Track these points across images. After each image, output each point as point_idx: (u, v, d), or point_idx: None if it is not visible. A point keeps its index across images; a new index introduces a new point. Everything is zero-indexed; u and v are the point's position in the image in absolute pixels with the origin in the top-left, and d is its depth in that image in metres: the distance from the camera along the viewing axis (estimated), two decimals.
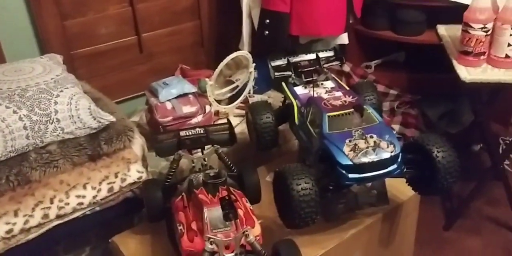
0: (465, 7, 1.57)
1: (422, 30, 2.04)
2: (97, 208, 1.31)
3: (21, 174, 1.20)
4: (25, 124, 1.18)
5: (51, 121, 1.21)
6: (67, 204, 1.24)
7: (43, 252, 1.29)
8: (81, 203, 1.26)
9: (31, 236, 1.22)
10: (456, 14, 1.61)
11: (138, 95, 1.93)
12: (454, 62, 1.62)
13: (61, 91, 1.26)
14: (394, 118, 2.09)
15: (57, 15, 1.68)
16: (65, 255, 1.36)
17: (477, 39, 1.54)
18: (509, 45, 1.53)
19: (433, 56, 1.86)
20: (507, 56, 1.55)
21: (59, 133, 1.23)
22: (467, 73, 1.56)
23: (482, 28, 1.52)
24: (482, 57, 1.58)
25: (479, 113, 1.95)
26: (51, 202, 1.23)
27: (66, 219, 1.26)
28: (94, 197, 1.28)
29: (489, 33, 1.54)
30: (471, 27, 1.53)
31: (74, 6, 1.72)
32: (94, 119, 1.26)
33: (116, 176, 1.30)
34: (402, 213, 1.35)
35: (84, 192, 1.27)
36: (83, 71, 1.79)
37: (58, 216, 1.24)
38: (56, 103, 1.23)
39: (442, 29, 1.84)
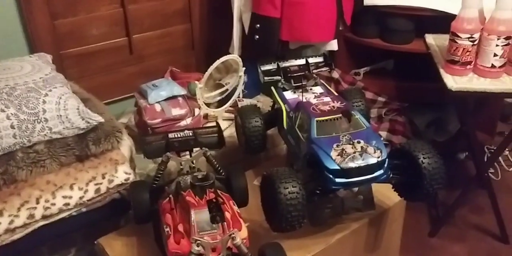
0: (452, 17, 1.60)
1: (410, 38, 2.07)
2: (84, 209, 1.30)
3: (7, 173, 1.19)
4: (12, 123, 1.18)
5: (39, 121, 1.21)
6: (53, 204, 1.23)
7: (27, 253, 1.28)
8: (68, 204, 1.25)
9: (16, 236, 1.21)
10: (444, 24, 1.64)
11: (127, 96, 1.92)
12: (441, 71, 1.65)
13: (50, 90, 1.25)
14: (381, 124, 2.11)
15: (48, 14, 1.67)
16: None
17: (464, 49, 1.57)
18: (495, 55, 1.56)
19: (421, 65, 1.88)
20: (493, 66, 1.58)
21: (47, 132, 1.22)
22: (453, 82, 1.59)
23: (469, 38, 1.55)
24: (468, 66, 1.61)
25: (465, 122, 1.98)
26: (37, 202, 1.22)
27: (52, 219, 1.25)
28: (80, 197, 1.27)
29: (475, 43, 1.57)
30: (458, 36, 1.56)
31: (65, 5, 1.71)
32: (83, 119, 1.26)
33: (103, 177, 1.30)
34: (388, 219, 1.36)
35: (70, 192, 1.26)
36: (72, 71, 1.78)
37: (44, 217, 1.23)
38: (44, 102, 1.22)
39: (430, 38, 1.87)
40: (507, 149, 2.20)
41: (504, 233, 1.92)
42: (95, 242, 1.27)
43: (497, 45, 1.54)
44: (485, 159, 2.14)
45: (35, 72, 1.32)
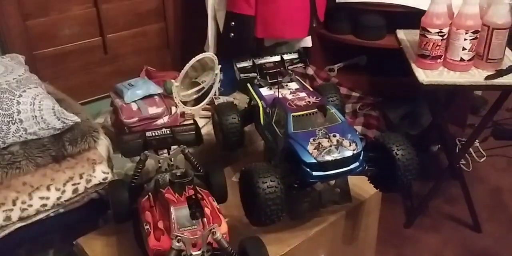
0: (423, 12, 1.64)
1: (382, 34, 2.11)
2: (61, 210, 1.29)
3: None
4: None
5: (13, 122, 1.20)
6: (30, 206, 1.22)
7: (5, 255, 1.26)
8: (45, 205, 1.25)
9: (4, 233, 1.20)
10: (415, 20, 1.68)
11: (102, 96, 1.91)
12: (413, 65, 1.69)
13: (24, 91, 1.24)
14: (356, 119, 2.15)
15: (19, 15, 1.65)
16: None
17: (434, 43, 1.61)
18: (463, 49, 1.61)
19: (393, 60, 1.92)
20: (462, 60, 1.63)
21: (22, 133, 1.21)
22: (424, 75, 1.63)
23: (438, 32, 1.59)
24: (438, 60, 1.65)
25: (437, 115, 2.03)
26: (14, 204, 1.21)
27: (29, 221, 1.24)
28: (58, 198, 1.26)
29: (445, 37, 1.61)
30: (428, 31, 1.60)
31: (36, 5, 1.69)
32: (58, 119, 1.25)
33: (81, 177, 1.29)
34: (364, 211, 1.39)
35: (47, 193, 1.25)
36: (46, 72, 1.76)
37: (21, 218, 1.22)
38: (18, 103, 1.21)
39: (401, 33, 1.91)
40: (477, 140, 2.26)
41: (477, 222, 1.98)
42: (74, 242, 1.27)
43: (465, 39, 1.59)
44: (457, 151, 2.19)
45: (8, 73, 1.30)
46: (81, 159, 1.31)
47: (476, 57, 1.65)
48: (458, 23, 1.59)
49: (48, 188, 1.25)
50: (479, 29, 1.59)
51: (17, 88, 1.24)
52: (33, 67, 1.63)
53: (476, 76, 1.63)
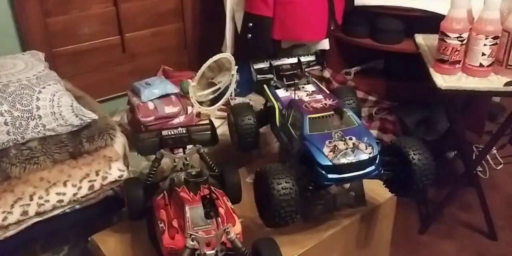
0: (441, 17, 1.62)
1: (400, 38, 2.09)
2: (77, 206, 1.30)
3: (1, 170, 1.19)
4: (6, 119, 1.18)
5: (32, 117, 1.21)
6: (47, 201, 1.24)
7: (20, 250, 1.28)
8: (61, 201, 1.26)
9: (9, 233, 1.21)
10: (433, 24, 1.66)
11: (119, 95, 1.93)
12: (431, 70, 1.67)
13: (44, 87, 1.25)
14: (372, 123, 2.14)
15: (40, 12, 1.67)
16: (43, 254, 1.35)
17: (453, 48, 1.59)
18: (483, 54, 1.59)
19: (411, 65, 1.91)
20: (481, 65, 1.61)
21: (41, 129, 1.22)
22: (443, 80, 1.61)
23: (458, 37, 1.58)
24: (457, 65, 1.63)
25: (454, 121, 2.01)
26: (31, 199, 1.22)
27: (45, 216, 1.25)
28: (74, 194, 1.27)
29: (464, 42, 1.59)
30: (448, 36, 1.59)
31: (57, 3, 1.71)
32: (76, 116, 1.26)
33: (97, 174, 1.30)
34: (379, 215, 1.38)
35: (64, 189, 1.26)
36: (65, 70, 1.78)
37: (38, 213, 1.23)
38: (38, 99, 1.23)
39: (419, 38, 1.89)
40: (494, 147, 2.24)
41: (492, 230, 1.95)
42: (89, 239, 1.28)
43: (485, 45, 1.57)
44: (474, 158, 2.17)
45: (28, 70, 1.32)
46: (97, 156, 1.32)
47: (495, 63, 1.63)
48: (478, 28, 1.57)
49: (64, 184, 1.26)
50: (499, 35, 1.57)
51: (37, 84, 1.25)
52: (52, 64, 1.65)
53: (495, 82, 1.61)
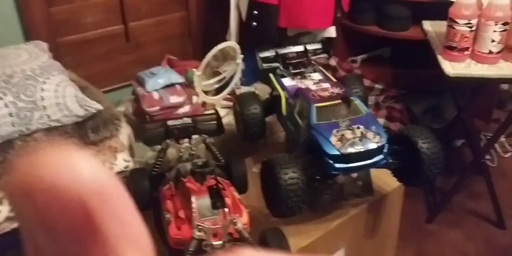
0: (449, 3, 1.59)
1: (407, 25, 2.06)
2: None
3: (7, 161, 1.19)
4: (10, 111, 1.17)
5: (37, 108, 1.20)
6: None
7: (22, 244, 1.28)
8: None
9: (16, 224, 1.21)
10: (441, 11, 1.64)
11: (123, 85, 1.91)
12: (439, 57, 1.65)
13: (48, 78, 1.25)
14: (379, 112, 2.12)
15: (43, 2, 1.66)
16: None
17: (461, 35, 1.57)
18: (492, 41, 1.56)
19: (418, 52, 1.88)
20: (490, 52, 1.58)
21: (46, 120, 1.22)
22: (451, 67, 1.59)
23: (466, 23, 1.55)
24: (466, 52, 1.61)
25: (462, 109, 1.98)
26: None
27: None
28: None
29: (473, 28, 1.56)
30: (456, 22, 1.56)
31: None
32: (81, 107, 1.26)
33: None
34: (386, 204, 1.37)
35: None
36: (69, 60, 1.76)
37: None
38: (42, 90, 1.22)
39: (427, 24, 1.86)
40: (503, 135, 2.21)
41: (500, 218, 1.94)
42: None
43: (494, 31, 1.54)
44: (482, 146, 2.15)
45: (32, 60, 1.31)
46: (103, 147, 1.31)
47: (505, 50, 1.60)
48: (488, 14, 1.54)
49: None
50: (509, 21, 1.54)
51: (41, 75, 1.25)
52: (56, 54, 1.63)
53: (505, 69, 1.59)
